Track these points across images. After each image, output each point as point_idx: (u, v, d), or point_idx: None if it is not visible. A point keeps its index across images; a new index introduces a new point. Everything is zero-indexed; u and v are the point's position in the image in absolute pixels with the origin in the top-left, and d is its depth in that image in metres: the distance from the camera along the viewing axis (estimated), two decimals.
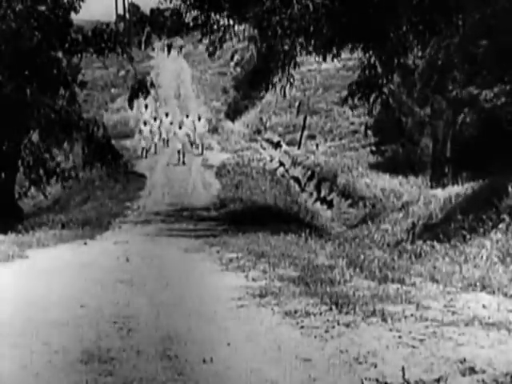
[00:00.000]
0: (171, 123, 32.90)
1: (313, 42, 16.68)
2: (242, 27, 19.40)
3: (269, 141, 34.91)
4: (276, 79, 18.51)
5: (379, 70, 17.00)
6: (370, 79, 17.14)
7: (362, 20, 14.80)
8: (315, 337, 5.35)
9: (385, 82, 17.29)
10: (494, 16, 14.90)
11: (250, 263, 9.38)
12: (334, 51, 16.97)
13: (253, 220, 17.48)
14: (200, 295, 7.42)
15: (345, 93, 20.05)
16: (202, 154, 32.02)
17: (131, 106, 23.84)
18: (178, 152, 30.08)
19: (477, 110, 17.05)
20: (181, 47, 60.20)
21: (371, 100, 18.00)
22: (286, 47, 17.38)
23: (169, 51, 60.22)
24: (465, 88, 16.90)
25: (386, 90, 17.85)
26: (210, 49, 19.37)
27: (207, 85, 47.40)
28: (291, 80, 18.35)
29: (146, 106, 33.10)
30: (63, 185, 23.19)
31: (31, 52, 19.61)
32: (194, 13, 18.90)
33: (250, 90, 40.43)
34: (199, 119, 32.84)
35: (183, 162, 29.72)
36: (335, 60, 17.84)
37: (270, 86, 19.57)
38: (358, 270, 8.37)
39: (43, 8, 20.42)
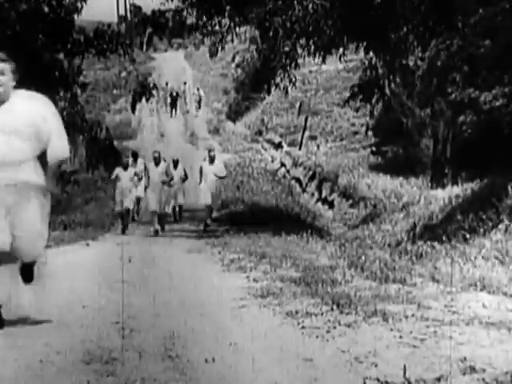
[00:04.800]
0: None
1: (313, 43, 16.75)
2: (243, 28, 19.48)
3: (270, 141, 34.92)
4: (278, 80, 18.59)
5: (380, 71, 17.06)
6: (372, 80, 17.20)
7: (362, 21, 14.86)
8: (316, 337, 5.37)
9: (386, 83, 17.35)
10: (495, 17, 14.91)
11: (251, 264, 9.41)
12: (336, 52, 17.04)
13: (254, 221, 17.51)
14: (202, 295, 7.44)
15: (346, 94, 20.09)
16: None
17: (133, 110, 23.64)
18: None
19: (476, 112, 17.08)
20: (199, 101, 41.30)
21: (373, 101, 18.06)
22: (287, 48, 17.45)
23: (172, 106, 41.10)
24: (464, 89, 16.93)
25: (387, 91, 17.91)
26: (212, 50, 19.47)
27: (208, 86, 47.38)
28: (293, 80, 18.41)
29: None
30: (62, 189, 23.18)
31: (33, 53, 19.65)
32: (196, 14, 18.97)
33: (251, 91, 40.47)
34: (212, 161, 18.11)
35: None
36: (338, 61, 17.93)
37: (273, 87, 19.65)
38: (359, 270, 8.40)
39: (46, 9, 20.47)
